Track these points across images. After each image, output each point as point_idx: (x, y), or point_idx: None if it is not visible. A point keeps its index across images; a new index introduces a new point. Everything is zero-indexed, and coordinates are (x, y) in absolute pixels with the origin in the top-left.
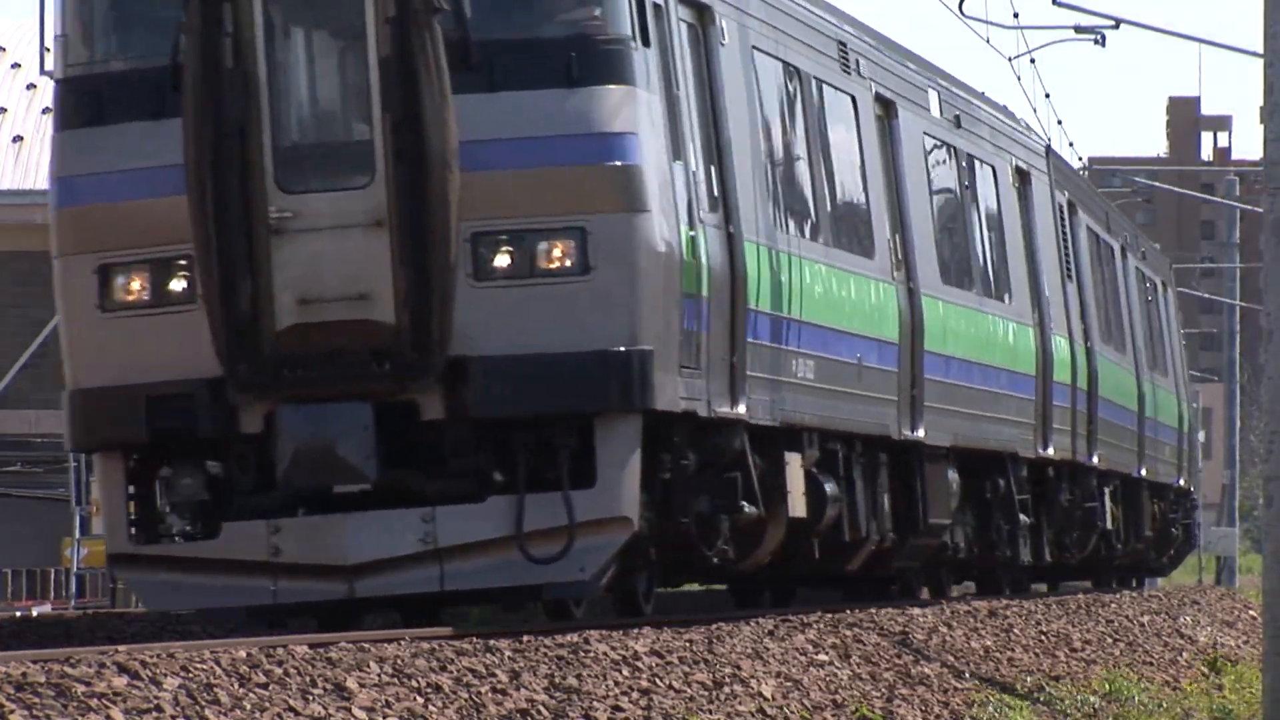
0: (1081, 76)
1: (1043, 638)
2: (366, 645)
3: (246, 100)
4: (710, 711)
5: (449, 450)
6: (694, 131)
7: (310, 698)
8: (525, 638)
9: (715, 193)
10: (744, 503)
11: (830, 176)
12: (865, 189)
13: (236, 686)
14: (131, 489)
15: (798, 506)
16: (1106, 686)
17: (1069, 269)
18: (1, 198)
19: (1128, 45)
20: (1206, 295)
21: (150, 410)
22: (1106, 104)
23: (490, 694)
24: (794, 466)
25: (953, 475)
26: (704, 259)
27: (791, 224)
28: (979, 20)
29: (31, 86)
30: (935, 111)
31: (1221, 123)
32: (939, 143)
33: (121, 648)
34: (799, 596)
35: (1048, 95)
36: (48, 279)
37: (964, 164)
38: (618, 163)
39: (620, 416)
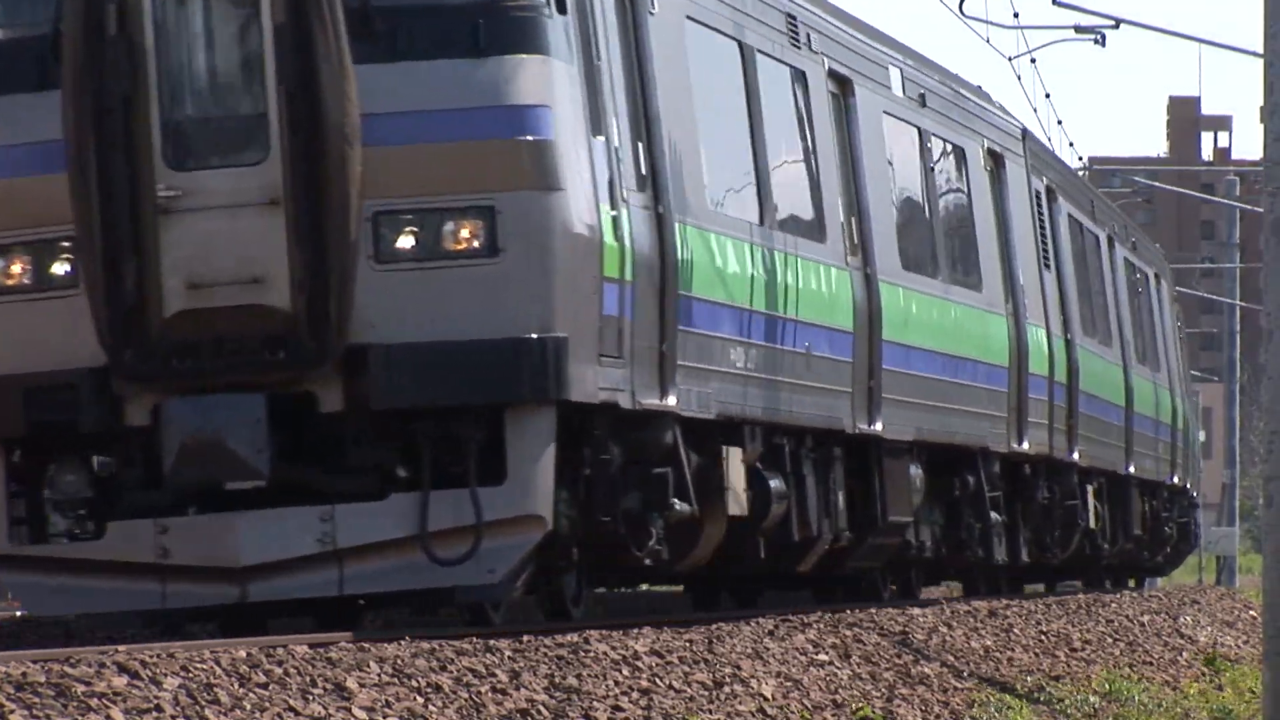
0: (1081, 76)
1: (1043, 638)
2: (366, 645)
3: (132, 70)
4: (710, 711)
5: (349, 444)
6: (618, 105)
7: (310, 698)
8: (525, 638)
9: (643, 171)
10: (675, 500)
11: (775, 156)
12: (816, 170)
13: (236, 686)
14: (14, 486)
15: (738, 504)
16: (1106, 686)
17: (1047, 257)
18: None
19: (1128, 45)
20: (1206, 295)
21: (28, 402)
22: (1106, 104)
23: (490, 694)
24: (734, 462)
25: (916, 471)
26: (628, 241)
27: (730, 205)
28: (979, 20)
29: None
30: (897, 90)
31: (1221, 123)
32: (901, 123)
33: (121, 648)
34: (763, 598)
35: (1048, 95)
36: None
37: (929, 145)
38: (529, 137)
39: (532, 408)
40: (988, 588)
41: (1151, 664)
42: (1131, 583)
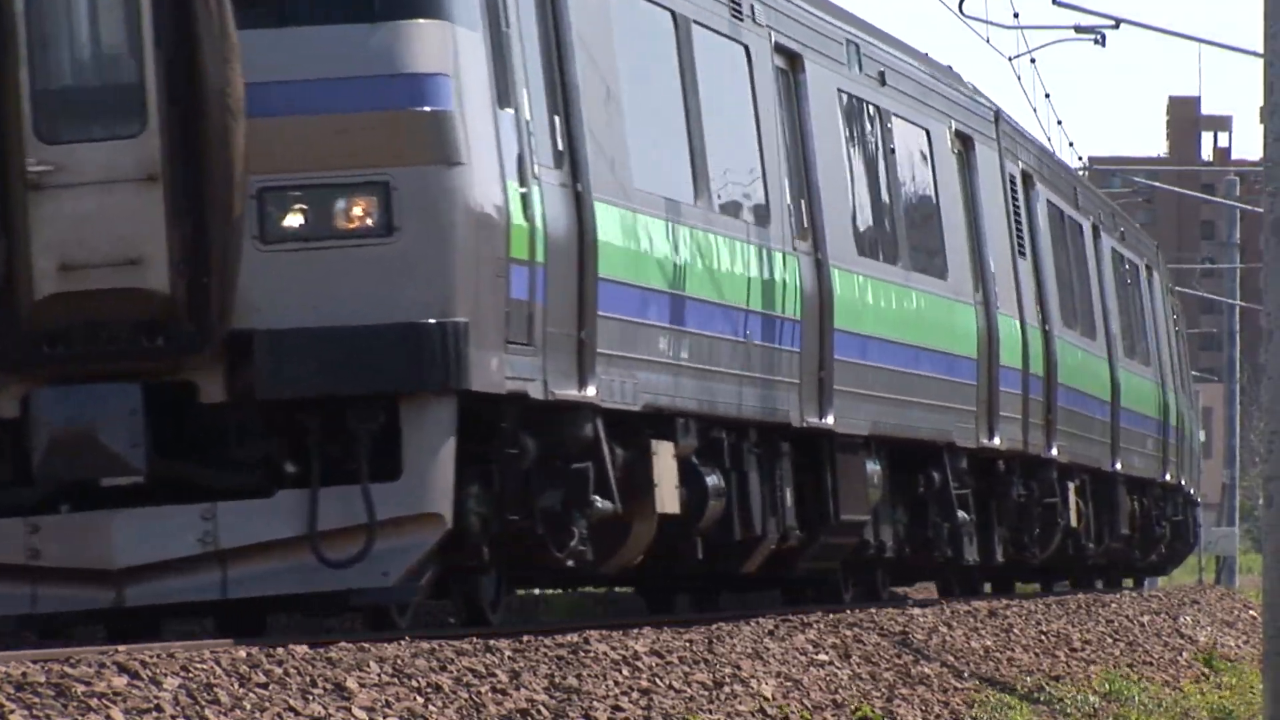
0: (1081, 76)
1: (1043, 638)
2: (366, 645)
3: (1, 37)
4: (710, 711)
5: (232, 437)
6: (530, 76)
7: (310, 698)
8: (525, 638)
9: (559, 147)
10: (597, 498)
11: (713, 134)
12: (760, 149)
13: (236, 686)
14: None
15: (669, 501)
16: (1106, 686)
17: (1022, 244)
18: None
19: (1128, 45)
20: (1206, 295)
21: None
22: (1106, 104)
23: (490, 694)
24: (664, 456)
25: (874, 467)
26: (540, 220)
27: (660, 185)
28: (979, 20)
29: None
30: (854, 67)
31: (1221, 123)
32: (858, 101)
33: (121, 648)
34: (723, 600)
35: (1048, 95)
36: None
37: (889, 126)
38: (426, 108)
39: (430, 398)
40: (964, 588)
41: (1151, 664)
42: (1130, 583)
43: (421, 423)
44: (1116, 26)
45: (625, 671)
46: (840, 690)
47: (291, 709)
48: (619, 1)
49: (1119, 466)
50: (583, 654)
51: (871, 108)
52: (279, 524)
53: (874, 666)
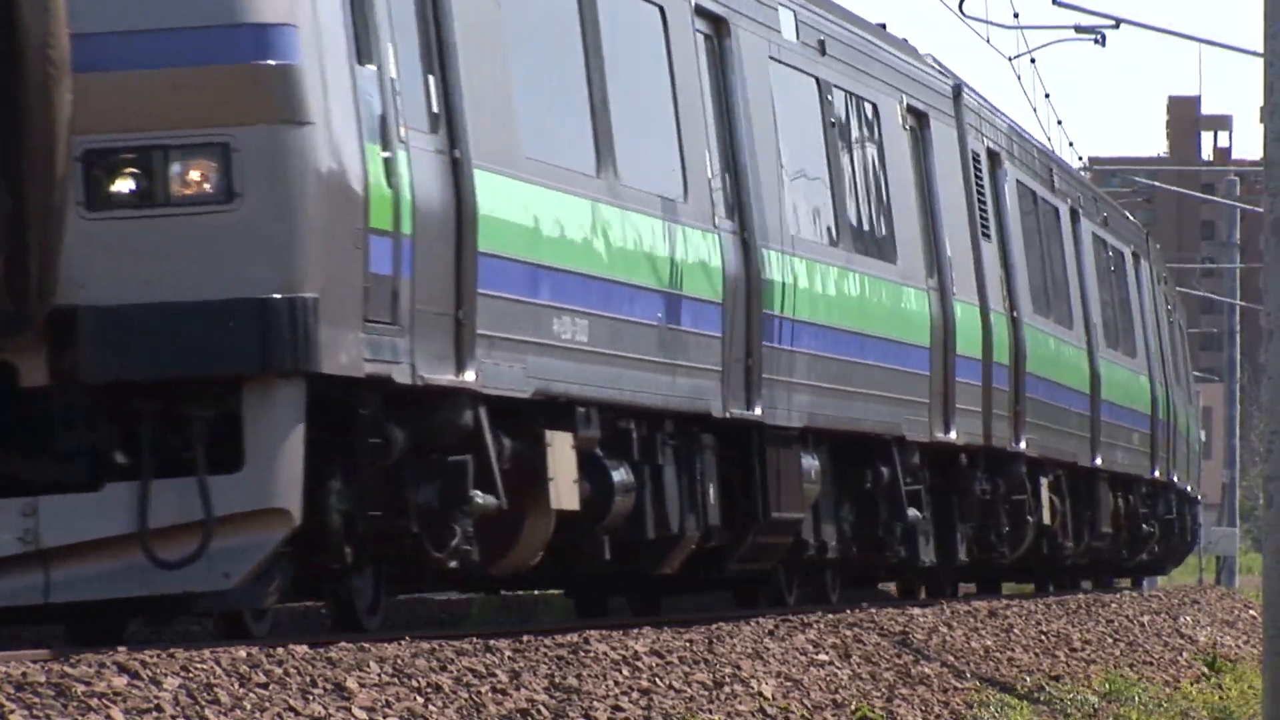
0: (1081, 76)
1: (1043, 638)
2: (366, 645)
3: None
4: (710, 711)
5: (56, 425)
6: (398, 30)
7: (310, 698)
8: (525, 638)
9: (434, 109)
10: (477, 492)
11: (620, 102)
12: (676, 119)
13: (236, 686)
14: None
15: (567, 497)
16: (1106, 686)
17: (986, 227)
18: None
19: (1128, 45)
20: (1207, 295)
21: None
22: (1106, 104)
23: (490, 694)
24: (561, 448)
25: (811, 462)
26: (407, 188)
27: (555, 153)
28: (979, 20)
29: None
30: (789, 34)
31: (1221, 123)
32: (794, 71)
33: (121, 648)
34: (666, 604)
35: (1048, 95)
36: None
37: (830, 98)
38: (270, 62)
39: (275, 382)
40: (932, 590)
41: (1151, 664)
42: (1127, 583)
43: (265, 409)
44: (1116, 26)
45: (625, 671)
46: (840, 690)
47: (291, 709)
48: None
49: (1099, 461)
50: (583, 654)
51: (810, 79)
52: (107, 520)
53: (874, 666)
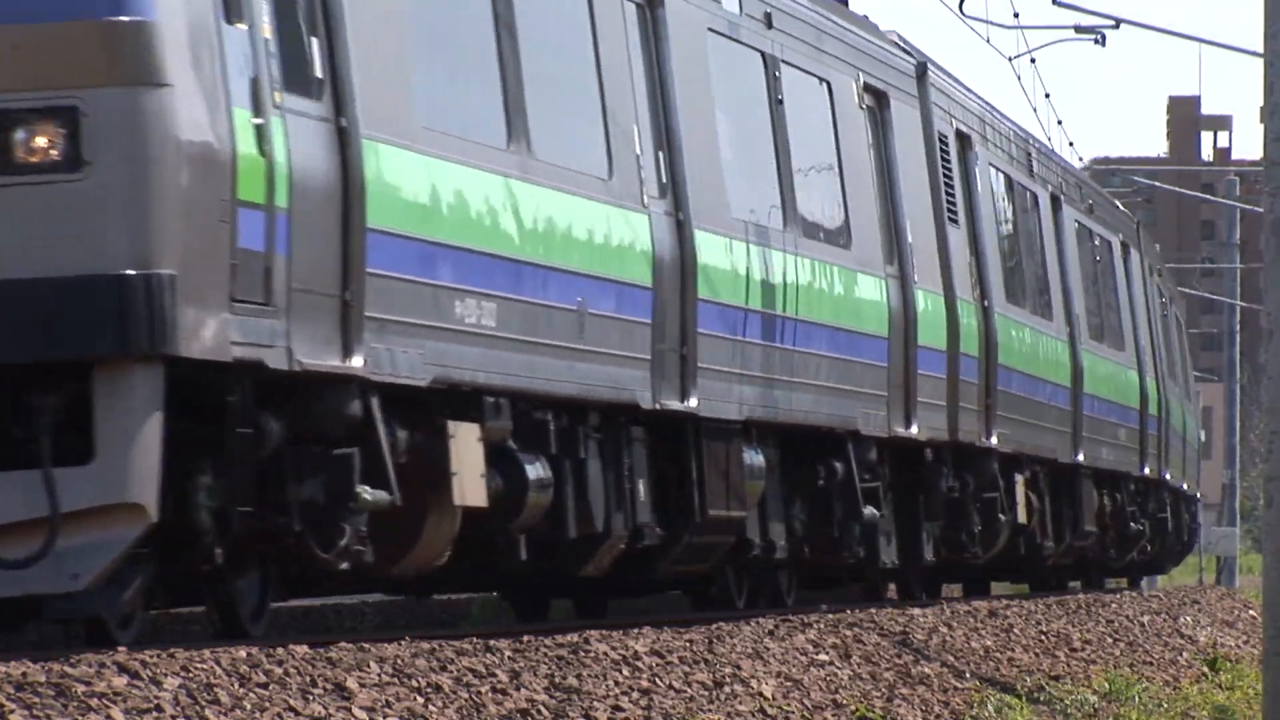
0: (1081, 76)
1: (1043, 638)
2: (366, 645)
3: None
4: (710, 711)
5: None
6: None
7: (310, 698)
8: (525, 638)
9: (316, 73)
10: (365, 488)
11: (535, 73)
12: (601, 92)
13: (236, 686)
14: None
15: (472, 493)
16: (1106, 686)
17: (954, 212)
18: None
19: (1128, 45)
20: (1206, 295)
21: None
22: (1106, 104)
23: (490, 694)
24: (465, 440)
25: (755, 458)
26: (281, 157)
27: (458, 125)
28: (979, 20)
29: None
30: (731, 6)
31: (1221, 123)
32: (736, 44)
33: (121, 648)
34: (613, 606)
35: (1048, 95)
36: None
37: (777, 74)
38: (122, 18)
39: (129, 366)
40: (904, 592)
41: (1151, 664)
42: (1124, 583)
43: (118, 395)
44: (1116, 26)
45: (625, 671)
46: (840, 690)
47: (291, 709)
48: None
49: (1082, 458)
50: (583, 654)
51: (755, 53)
52: None
53: (874, 666)
